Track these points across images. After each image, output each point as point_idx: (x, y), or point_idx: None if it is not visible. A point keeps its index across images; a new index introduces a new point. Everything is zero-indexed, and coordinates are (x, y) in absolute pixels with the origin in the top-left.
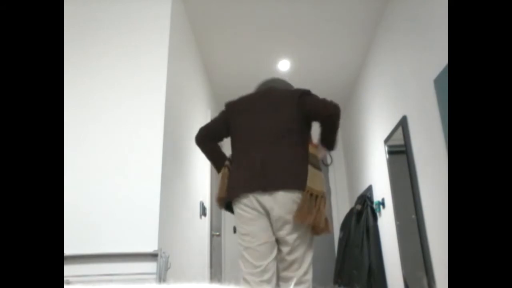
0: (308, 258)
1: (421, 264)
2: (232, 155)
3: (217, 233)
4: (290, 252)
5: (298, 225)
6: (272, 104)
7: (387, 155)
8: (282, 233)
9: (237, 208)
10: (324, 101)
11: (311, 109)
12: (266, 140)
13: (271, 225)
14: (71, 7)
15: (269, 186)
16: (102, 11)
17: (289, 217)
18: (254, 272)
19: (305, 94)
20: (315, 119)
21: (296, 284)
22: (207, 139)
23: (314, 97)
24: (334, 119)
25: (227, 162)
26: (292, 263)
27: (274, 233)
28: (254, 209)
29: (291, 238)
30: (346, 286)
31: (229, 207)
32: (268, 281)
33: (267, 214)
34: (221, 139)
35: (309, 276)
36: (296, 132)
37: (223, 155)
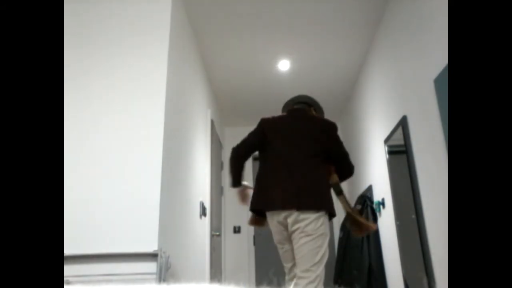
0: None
1: (421, 264)
2: (261, 171)
3: (217, 233)
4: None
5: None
6: (304, 131)
7: (387, 155)
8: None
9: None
10: (348, 160)
11: (337, 160)
12: (295, 163)
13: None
14: (71, 7)
15: (301, 206)
16: (102, 11)
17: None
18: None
19: (333, 136)
20: (335, 164)
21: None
22: (243, 158)
23: (341, 149)
24: (349, 177)
25: (245, 183)
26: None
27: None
28: (281, 223)
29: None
30: (346, 286)
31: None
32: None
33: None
34: (252, 153)
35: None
36: (320, 160)
37: (241, 175)
